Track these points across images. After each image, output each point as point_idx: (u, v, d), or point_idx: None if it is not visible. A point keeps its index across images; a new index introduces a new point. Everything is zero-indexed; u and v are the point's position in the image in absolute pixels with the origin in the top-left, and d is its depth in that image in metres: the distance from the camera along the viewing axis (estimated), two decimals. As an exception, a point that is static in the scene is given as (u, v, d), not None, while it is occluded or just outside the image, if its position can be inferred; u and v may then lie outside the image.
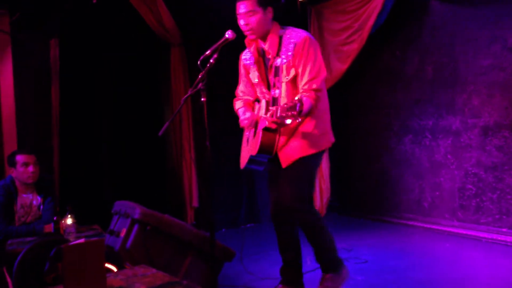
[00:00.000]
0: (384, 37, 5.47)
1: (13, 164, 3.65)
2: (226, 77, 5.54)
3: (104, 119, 5.35)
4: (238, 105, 3.37)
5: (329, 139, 3.16)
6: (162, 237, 3.20)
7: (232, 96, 5.71)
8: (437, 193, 5.06)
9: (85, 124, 5.21)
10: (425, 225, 5.15)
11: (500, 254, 4.16)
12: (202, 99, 2.78)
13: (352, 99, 6.09)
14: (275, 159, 3.10)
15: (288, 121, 2.57)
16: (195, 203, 5.41)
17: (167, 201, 5.50)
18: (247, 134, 3.36)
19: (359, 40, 5.33)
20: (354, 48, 5.45)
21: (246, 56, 3.27)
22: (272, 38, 3.01)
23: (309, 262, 4.29)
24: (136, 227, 3.14)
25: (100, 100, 5.33)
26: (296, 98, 2.56)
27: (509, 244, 4.32)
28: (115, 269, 3.09)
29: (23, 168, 3.64)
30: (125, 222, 3.23)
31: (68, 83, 5.01)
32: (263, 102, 3.15)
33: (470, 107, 4.71)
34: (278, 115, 2.60)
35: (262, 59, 3.13)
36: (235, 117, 5.75)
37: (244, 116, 3.16)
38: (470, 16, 4.66)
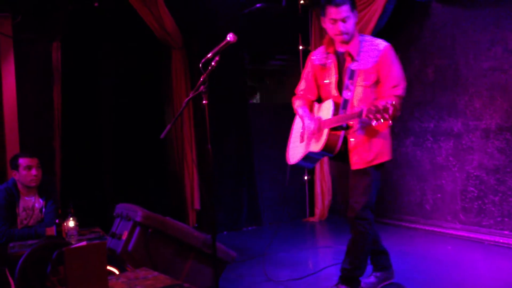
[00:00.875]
0: (385, 39, 5.45)
1: (15, 167, 3.65)
2: (227, 80, 5.57)
3: (106, 121, 5.36)
4: (297, 103, 3.41)
5: (390, 151, 3.23)
6: (164, 240, 3.20)
7: (233, 98, 5.76)
8: (439, 195, 5.06)
9: (87, 126, 5.22)
10: (427, 228, 5.15)
11: (502, 257, 4.16)
12: (204, 101, 2.79)
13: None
14: (340, 157, 3.15)
15: (374, 123, 2.69)
16: (197, 205, 5.41)
17: (169, 204, 5.50)
18: (301, 131, 3.39)
19: (360, 42, 5.33)
20: (355, 50, 5.44)
21: (318, 56, 3.29)
22: (355, 41, 3.09)
23: (311, 266, 4.30)
24: (137, 230, 3.14)
25: (101, 103, 5.34)
26: (390, 102, 2.63)
27: (511, 246, 4.32)
28: (117, 272, 3.09)
29: (26, 171, 3.63)
30: (126, 225, 3.23)
31: (70, 85, 5.02)
32: (329, 103, 3.16)
33: (471, 110, 4.71)
34: (365, 115, 2.70)
35: (337, 61, 3.17)
36: (237, 119, 5.81)
37: (310, 121, 3.19)
38: (471, 18, 4.66)
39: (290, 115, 6.37)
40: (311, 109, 3.36)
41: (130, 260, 3.12)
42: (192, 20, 5.45)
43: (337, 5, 2.98)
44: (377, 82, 3.08)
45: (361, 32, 5.29)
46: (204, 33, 5.41)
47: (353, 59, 3.08)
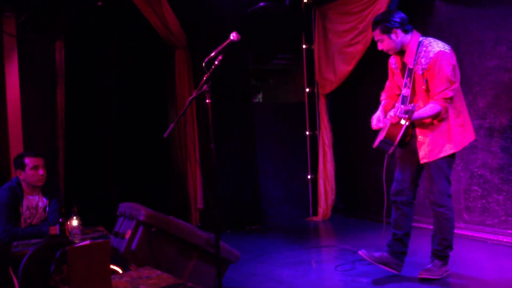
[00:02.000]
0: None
1: (21, 166, 3.64)
2: (230, 79, 5.57)
3: (110, 120, 5.37)
4: (382, 96, 3.86)
5: (459, 143, 3.49)
6: (167, 239, 3.20)
7: (236, 97, 5.76)
8: (443, 194, 5.04)
9: (90, 126, 5.22)
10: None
11: (506, 256, 4.15)
12: (207, 100, 2.79)
13: (357, 100, 6.08)
14: (410, 147, 3.56)
15: (402, 122, 3.23)
16: (200, 204, 5.42)
17: (172, 203, 5.51)
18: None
19: (364, 41, 5.33)
20: (358, 49, 5.44)
21: (392, 60, 3.71)
22: (409, 49, 3.46)
23: (314, 265, 4.29)
24: (141, 229, 3.15)
25: (105, 102, 5.35)
26: (416, 105, 3.21)
27: (515, 246, 4.31)
28: (120, 271, 3.10)
29: (33, 171, 3.63)
30: (130, 224, 3.23)
31: (73, 85, 5.03)
32: (400, 97, 3.59)
33: (475, 108, 4.69)
34: (398, 113, 3.24)
35: (403, 65, 3.56)
36: (240, 118, 5.81)
37: (375, 115, 3.68)
38: (475, 17, 4.64)
39: (293, 114, 6.41)
40: (394, 102, 3.75)
41: (133, 259, 3.12)
42: (195, 20, 5.45)
43: (372, 29, 3.52)
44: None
45: (365, 30, 5.30)
46: (207, 33, 5.41)
47: (412, 63, 3.44)
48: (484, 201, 4.64)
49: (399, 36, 3.42)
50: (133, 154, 5.41)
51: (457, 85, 3.38)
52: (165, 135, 2.87)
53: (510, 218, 4.42)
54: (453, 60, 3.40)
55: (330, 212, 6.15)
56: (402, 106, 3.38)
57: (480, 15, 4.60)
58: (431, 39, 3.45)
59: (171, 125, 2.87)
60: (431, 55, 3.35)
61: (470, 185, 4.75)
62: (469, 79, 4.73)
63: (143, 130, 5.44)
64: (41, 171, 3.65)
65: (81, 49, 5.10)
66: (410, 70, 3.45)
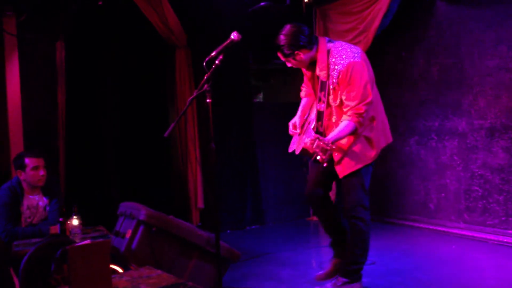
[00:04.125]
0: (390, 38, 5.46)
1: (22, 167, 3.64)
2: (231, 79, 5.57)
3: (110, 120, 5.36)
4: (302, 92, 3.63)
5: (372, 154, 3.29)
6: (168, 239, 3.20)
7: (237, 96, 5.77)
8: (443, 194, 5.05)
9: (91, 125, 5.22)
10: (431, 227, 5.13)
11: (506, 256, 4.14)
12: (207, 100, 2.79)
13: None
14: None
15: (317, 157, 2.88)
16: (200, 204, 5.42)
17: (172, 202, 5.51)
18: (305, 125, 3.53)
19: (365, 41, 5.32)
20: (359, 49, 5.43)
21: (305, 70, 3.46)
22: (319, 61, 3.19)
23: (314, 265, 4.29)
24: (141, 229, 3.15)
25: (105, 102, 5.34)
26: (331, 140, 2.87)
27: (515, 246, 4.30)
28: (120, 271, 3.10)
29: (34, 172, 3.63)
30: (130, 224, 3.23)
31: (74, 84, 5.03)
32: (314, 112, 3.36)
33: (476, 108, 4.70)
34: (314, 147, 2.87)
35: (315, 75, 3.31)
36: (240, 118, 5.81)
37: (291, 121, 3.45)
38: (476, 17, 4.64)
39: (293, 114, 6.39)
40: (310, 108, 3.49)
41: (134, 259, 3.12)
42: (196, 19, 5.45)
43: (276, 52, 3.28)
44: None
45: (366, 30, 5.30)
46: (208, 32, 5.41)
47: (325, 73, 3.19)
48: (484, 201, 4.64)
49: (304, 55, 3.18)
50: (133, 154, 5.41)
51: (371, 98, 3.09)
52: (166, 134, 2.87)
53: (510, 219, 4.42)
54: (365, 68, 3.12)
55: (331, 212, 6.15)
56: (318, 123, 3.23)
57: (480, 15, 4.60)
58: (339, 46, 3.16)
59: (172, 125, 2.88)
60: (340, 67, 3.08)
61: (471, 185, 4.76)
62: (469, 79, 4.73)
63: (143, 129, 5.43)
64: (41, 172, 3.66)
65: (81, 49, 5.09)
66: (324, 83, 3.19)
